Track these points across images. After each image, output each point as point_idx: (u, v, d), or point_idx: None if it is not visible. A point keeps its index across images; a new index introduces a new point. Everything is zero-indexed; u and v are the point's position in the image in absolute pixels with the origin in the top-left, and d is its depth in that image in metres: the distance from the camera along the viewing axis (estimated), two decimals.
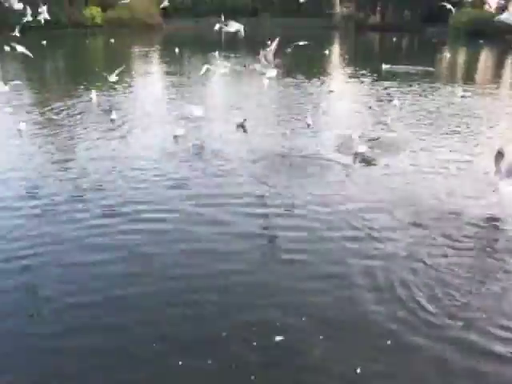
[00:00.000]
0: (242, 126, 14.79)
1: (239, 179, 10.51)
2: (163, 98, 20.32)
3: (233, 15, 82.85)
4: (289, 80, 24.25)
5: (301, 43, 16.53)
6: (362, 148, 11.94)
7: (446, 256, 7.36)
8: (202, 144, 13.07)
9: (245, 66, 27.13)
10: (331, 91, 21.15)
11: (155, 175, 10.74)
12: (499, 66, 40.63)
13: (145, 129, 14.80)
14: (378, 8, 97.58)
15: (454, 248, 7.59)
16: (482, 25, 67.19)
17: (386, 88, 22.62)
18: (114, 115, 15.81)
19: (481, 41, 46.60)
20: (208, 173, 10.93)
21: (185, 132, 13.58)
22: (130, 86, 23.10)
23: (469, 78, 28.47)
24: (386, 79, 25.03)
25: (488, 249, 7.63)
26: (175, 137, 13.50)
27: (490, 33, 63.98)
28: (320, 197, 9.53)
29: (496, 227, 8.43)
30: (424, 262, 7.14)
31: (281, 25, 69.78)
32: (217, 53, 33.88)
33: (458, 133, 14.47)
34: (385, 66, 28.03)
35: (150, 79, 26.56)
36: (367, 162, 11.63)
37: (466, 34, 64.82)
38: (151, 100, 19.56)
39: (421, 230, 8.18)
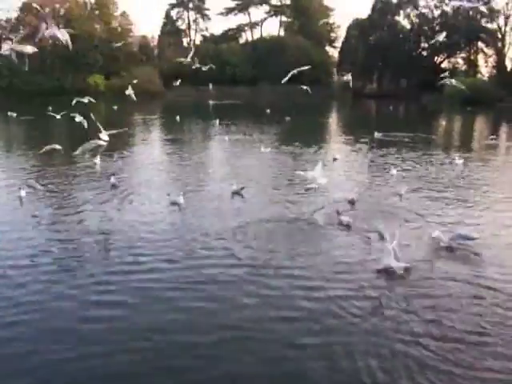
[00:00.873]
0: (238, 193, 14.88)
1: (234, 244, 10.58)
2: (164, 166, 20.54)
3: (233, 83, 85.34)
4: (288, 148, 24.58)
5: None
6: (350, 217, 12.02)
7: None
8: (200, 211, 13.16)
9: (245, 134, 27.73)
10: (335, 159, 21.33)
11: (152, 243, 10.77)
12: (493, 132, 41.36)
13: (145, 195, 14.88)
14: (375, 77, 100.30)
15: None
16: (476, 93, 68.98)
17: (382, 156, 22.97)
18: (113, 180, 15.98)
19: (469, 108, 47.53)
20: (203, 237, 10.98)
21: (183, 200, 13.63)
22: (132, 152, 23.45)
23: (464, 145, 28.94)
24: (384, 147, 25.44)
25: None
26: (174, 204, 13.58)
27: (483, 100, 65.67)
28: (311, 260, 9.64)
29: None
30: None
31: (280, 93, 71.46)
32: (217, 121, 34.84)
33: (459, 201, 14.57)
34: (377, 134, 28.46)
35: (152, 146, 26.99)
36: (354, 228, 11.72)
37: (461, 101, 66.21)
38: (153, 167, 19.77)
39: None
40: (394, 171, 17.74)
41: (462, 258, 9.98)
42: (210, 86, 61.34)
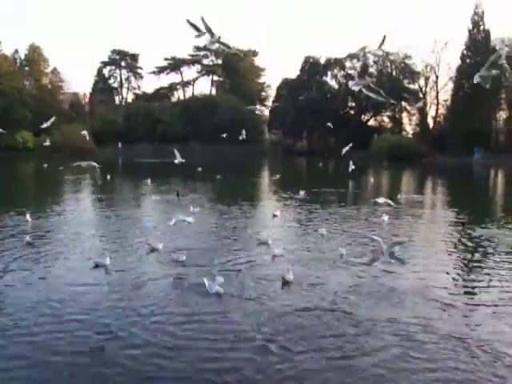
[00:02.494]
0: (156, 250, 14.66)
1: (159, 307, 10.35)
2: (90, 226, 19.93)
3: (164, 142, 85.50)
4: (218, 207, 24.61)
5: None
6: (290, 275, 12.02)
7: None
8: (127, 272, 12.82)
9: (178, 195, 27.57)
10: (275, 215, 21.41)
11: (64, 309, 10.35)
12: (420, 187, 42.99)
13: (66, 256, 14.39)
14: (305, 134, 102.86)
15: None
16: (401, 149, 71.97)
17: (311, 212, 23.36)
18: (28, 239, 15.51)
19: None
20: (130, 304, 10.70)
21: (109, 262, 13.23)
22: (58, 211, 22.77)
23: (391, 199, 29.71)
24: (313, 202, 25.90)
25: None
26: (98, 266, 13.17)
27: (408, 157, 68.51)
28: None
29: None
30: None
31: (211, 151, 72.23)
32: (149, 180, 34.63)
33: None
34: (301, 192, 28.48)
35: (80, 205, 26.28)
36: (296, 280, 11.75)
37: (387, 158, 68.75)
38: (78, 226, 19.16)
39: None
40: (322, 231, 17.72)
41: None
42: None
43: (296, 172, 58.58)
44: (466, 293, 11.85)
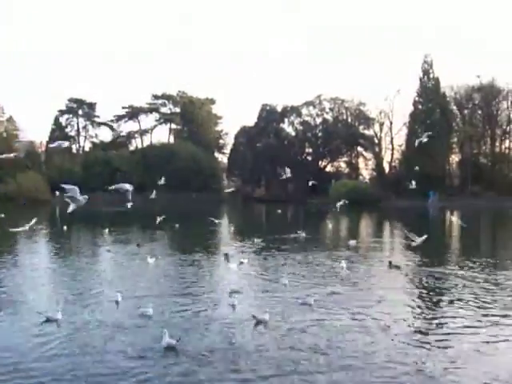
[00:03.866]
0: (117, 302, 14.37)
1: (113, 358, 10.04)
2: (43, 278, 19.25)
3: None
4: (176, 256, 24.31)
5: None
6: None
7: None
8: (82, 327, 12.42)
9: (138, 246, 27.15)
10: (241, 262, 21.20)
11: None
12: (378, 230, 43.53)
13: (16, 310, 13.95)
14: (263, 181, 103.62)
15: None
16: (358, 194, 73.07)
17: (271, 259, 23.31)
18: None
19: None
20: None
21: (60, 316, 12.80)
22: (12, 264, 22.09)
23: (348, 245, 29.90)
24: (273, 249, 25.86)
25: None
26: (49, 320, 12.70)
27: (365, 201, 69.53)
28: None
29: None
30: None
31: (169, 200, 71.55)
32: (106, 230, 33.99)
33: (352, 299, 14.86)
34: (257, 240, 28.32)
35: (34, 257, 25.34)
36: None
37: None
38: (31, 279, 18.55)
39: None
40: (285, 281, 17.54)
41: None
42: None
43: (255, 219, 58.59)
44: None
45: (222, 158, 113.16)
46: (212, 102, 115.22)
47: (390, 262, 21.50)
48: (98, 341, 11.39)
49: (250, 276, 19.49)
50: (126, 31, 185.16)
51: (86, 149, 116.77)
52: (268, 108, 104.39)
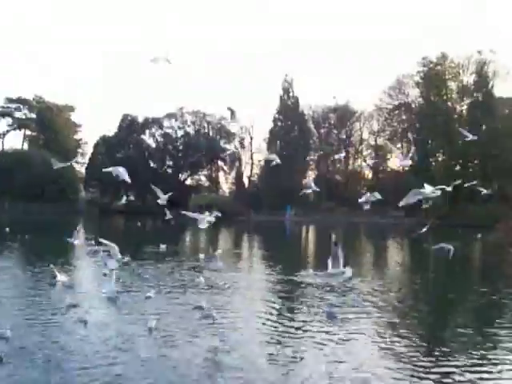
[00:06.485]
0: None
1: None
2: None
3: None
4: (26, 271, 23.18)
5: None
6: None
7: None
8: None
9: None
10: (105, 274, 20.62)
11: None
12: (237, 243, 44.55)
13: None
14: (122, 194, 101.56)
15: None
16: (217, 207, 73.77)
17: (133, 271, 23.09)
18: None
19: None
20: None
21: None
22: None
23: (210, 256, 30.25)
24: (129, 264, 25.58)
25: None
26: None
27: (224, 214, 70.32)
28: None
29: None
30: None
31: (22, 209, 68.17)
32: None
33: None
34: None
35: None
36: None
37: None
38: None
39: None
40: (150, 293, 17.40)
41: None
42: None
43: (112, 231, 57.33)
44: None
45: (81, 168, 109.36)
46: (71, 109, 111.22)
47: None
48: None
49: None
50: None
51: None
52: (129, 118, 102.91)
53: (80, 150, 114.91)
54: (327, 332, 13.37)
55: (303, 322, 14.53)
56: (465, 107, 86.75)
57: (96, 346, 11.85)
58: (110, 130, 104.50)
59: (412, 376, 10.44)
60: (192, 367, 10.69)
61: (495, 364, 11.32)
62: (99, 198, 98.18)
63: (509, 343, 12.96)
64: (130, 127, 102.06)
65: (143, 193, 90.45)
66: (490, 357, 11.84)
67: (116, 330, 13.22)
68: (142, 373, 10.27)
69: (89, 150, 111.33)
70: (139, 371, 10.35)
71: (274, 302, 17.16)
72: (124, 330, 13.17)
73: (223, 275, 22.24)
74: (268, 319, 14.84)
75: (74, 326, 13.39)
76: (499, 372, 10.86)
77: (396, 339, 13.02)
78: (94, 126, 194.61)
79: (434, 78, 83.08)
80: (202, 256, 27.12)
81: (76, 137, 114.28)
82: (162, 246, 30.65)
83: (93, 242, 28.52)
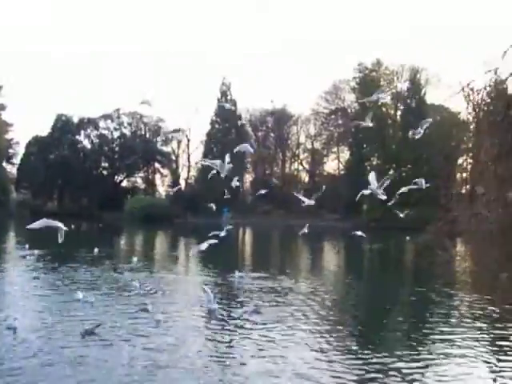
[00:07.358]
0: None
1: None
2: None
3: None
4: None
5: None
6: None
7: None
8: None
9: None
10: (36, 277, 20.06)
11: None
12: (173, 246, 44.27)
13: None
14: (56, 194, 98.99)
15: None
16: (154, 210, 73.40)
17: (70, 278, 22.55)
18: None
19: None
20: None
21: None
22: None
23: (146, 259, 29.93)
24: (63, 266, 24.99)
25: None
26: None
27: (161, 217, 70.11)
28: None
29: None
30: None
31: None
32: None
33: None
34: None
35: None
36: None
37: (140, 218, 69.51)
38: None
39: None
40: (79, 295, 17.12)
41: None
42: None
43: (45, 235, 55.74)
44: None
45: (12, 169, 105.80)
46: (2, 107, 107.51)
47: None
48: None
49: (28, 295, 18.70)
50: None
51: None
52: (63, 118, 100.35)
53: (11, 150, 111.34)
54: (265, 331, 13.68)
55: (240, 321, 14.82)
56: (399, 113, 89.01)
57: (26, 351, 11.59)
58: (43, 129, 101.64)
59: (346, 372, 10.82)
60: (130, 368, 10.67)
61: (428, 358, 12.01)
62: (31, 200, 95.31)
63: (439, 337, 13.76)
64: (65, 127, 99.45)
65: (78, 194, 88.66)
66: (421, 349, 12.71)
67: (48, 332, 13.00)
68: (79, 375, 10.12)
69: (20, 150, 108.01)
70: (74, 374, 10.21)
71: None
72: (56, 333, 12.96)
73: (159, 278, 22.09)
74: (206, 321, 14.96)
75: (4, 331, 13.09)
76: (430, 364, 11.50)
77: (332, 338, 13.39)
78: (25, 126, 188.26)
79: (369, 83, 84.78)
80: (135, 259, 27.00)
81: (7, 136, 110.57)
82: (95, 250, 29.99)
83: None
